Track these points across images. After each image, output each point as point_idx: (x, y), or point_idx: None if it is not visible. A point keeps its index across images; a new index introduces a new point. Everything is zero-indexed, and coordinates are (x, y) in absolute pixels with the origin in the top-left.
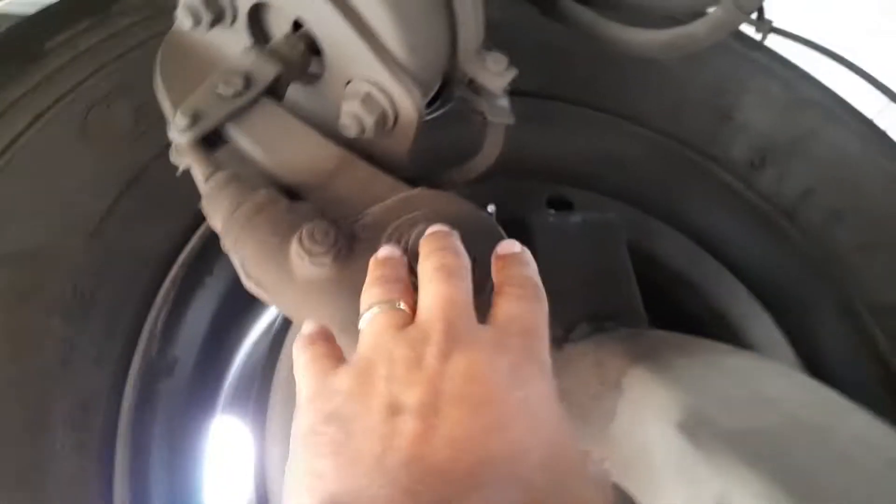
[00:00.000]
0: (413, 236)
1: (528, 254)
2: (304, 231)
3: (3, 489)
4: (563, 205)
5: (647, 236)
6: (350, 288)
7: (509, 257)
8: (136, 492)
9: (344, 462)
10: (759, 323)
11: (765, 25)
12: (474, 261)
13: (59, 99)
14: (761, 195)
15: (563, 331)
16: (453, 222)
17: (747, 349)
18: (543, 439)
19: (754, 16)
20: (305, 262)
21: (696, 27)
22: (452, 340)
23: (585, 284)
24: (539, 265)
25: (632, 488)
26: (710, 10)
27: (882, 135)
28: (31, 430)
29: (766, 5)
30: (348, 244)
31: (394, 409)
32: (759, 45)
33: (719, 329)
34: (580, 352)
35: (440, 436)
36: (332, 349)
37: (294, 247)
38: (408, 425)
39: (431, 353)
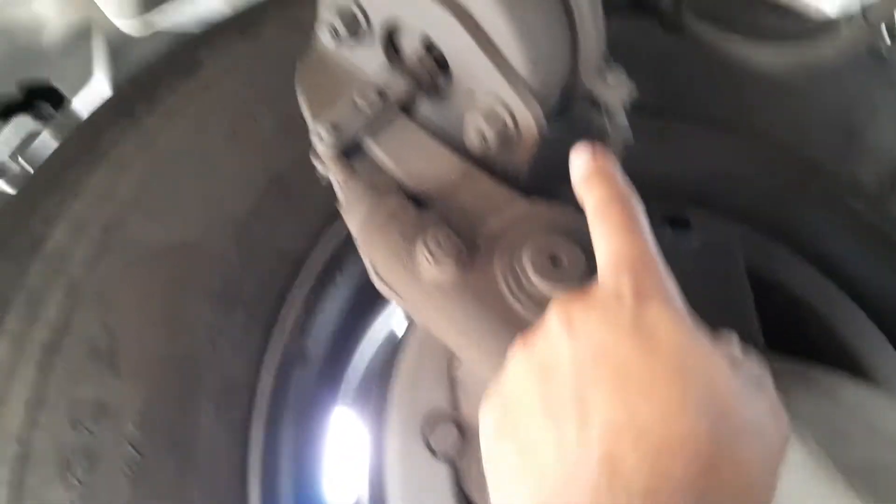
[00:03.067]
0: (529, 247)
1: None
2: (429, 235)
3: (157, 455)
4: (680, 224)
5: (767, 260)
6: (470, 292)
7: None
8: (267, 466)
9: None
10: (884, 356)
11: None
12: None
13: (214, 106)
14: (892, 221)
15: None
16: (567, 235)
17: (869, 382)
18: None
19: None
20: (430, 266)
21: (825, 44)
22: None
23: (701, 308)
24: None
25: None
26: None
27: None
28: (183, 405)
29: None
30: (469, 251)
31: None
32: (885, 59)
33: (840, 359)
34: None
35: None
36: None
37: (420, 251)
38: None
39: None
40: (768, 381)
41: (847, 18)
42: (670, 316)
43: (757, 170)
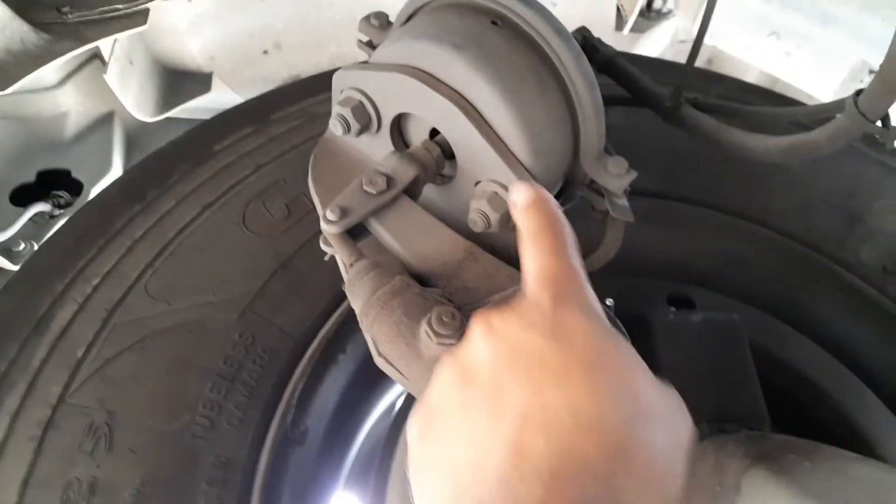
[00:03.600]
0: None
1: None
2: (433, 315)
3: None
4: (684, 303)
5: (771, 339)
6: None
7: None
8: None
9: None
10: (891, 432)
11: (890, 133)
12: None
13: (224, 193)
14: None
15: None
16: None
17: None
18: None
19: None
20: (433, 343)
21: (819, 134)
22: None
23: (706, 384)
24: (659, 363)
25: None
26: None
27: None
28: (179, 484)
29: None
30: None
31: None
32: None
33: (848, 438)
34: (700, 452)
35: None
36: None
37: (424, 328)
38: None
39: None
40: (670, 384)
41: (840, 107)
42: (585, 317)
43: (761, 252)
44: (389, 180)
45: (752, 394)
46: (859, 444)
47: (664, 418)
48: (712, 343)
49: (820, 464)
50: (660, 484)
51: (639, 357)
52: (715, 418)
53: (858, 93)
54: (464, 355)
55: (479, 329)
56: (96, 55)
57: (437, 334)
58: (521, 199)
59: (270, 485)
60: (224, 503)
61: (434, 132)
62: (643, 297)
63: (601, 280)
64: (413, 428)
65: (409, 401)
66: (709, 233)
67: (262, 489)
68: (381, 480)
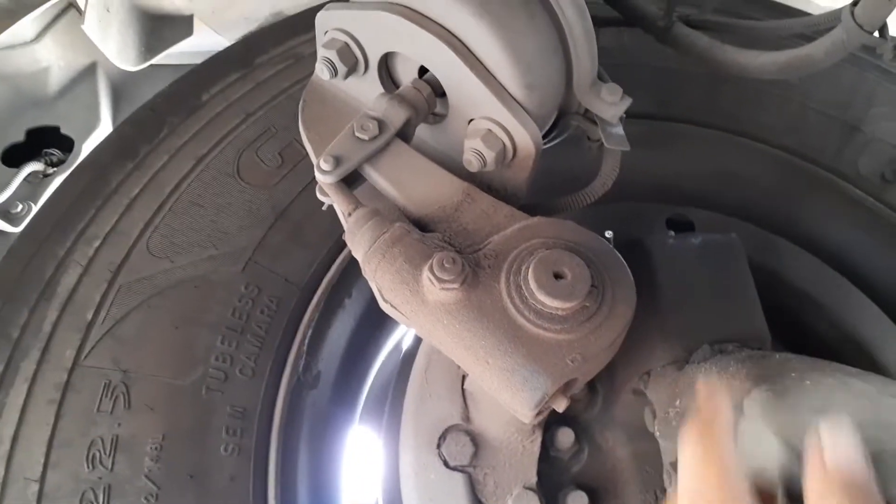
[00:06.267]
0: (532, 263)
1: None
2: (434, 260)
3: (175, 487)
4: (683, 226)
5: (771, 255)
6: (475, 311)
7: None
8: (285, 491)
9: None
10: (892, 340)
11: (888, 43)
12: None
13: (216, 145)
14: (894, 209)
15: (685, 352)
16: (572, 250)
17: (878, 373)
18: None
19: (875, 33)
20: (436, 289)
21: (815, 47)
22: None
23: (707, 306)
24: (659, 288)
25: None
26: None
27: None
28: (198, 434)
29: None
30: (473, 271)
31: None
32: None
33: (849, 351)
34: (702, 373)
35: None
36: None
37: (426, 274)
38: None
39: None
40: None
41: (836, 18)
42: None
43: (757, 168)
44: (381, 125)
45: (752, 313)
46: (860, 353)
47: None
48: (711, 264)
49: (821, 381)
50: None
51: None
52: (716, 339)
53: (855, 3)
54: None
55: None
56: (72, 4)
57: (439, 280)
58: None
59: (287, 428)
60: (244, 449)
61: (423, 70)
62: (642, 223)
63: (599, 208)
64: None
65: (418, 339)
66: (704, 151)
67: (280, 433)
68: (395, 412)
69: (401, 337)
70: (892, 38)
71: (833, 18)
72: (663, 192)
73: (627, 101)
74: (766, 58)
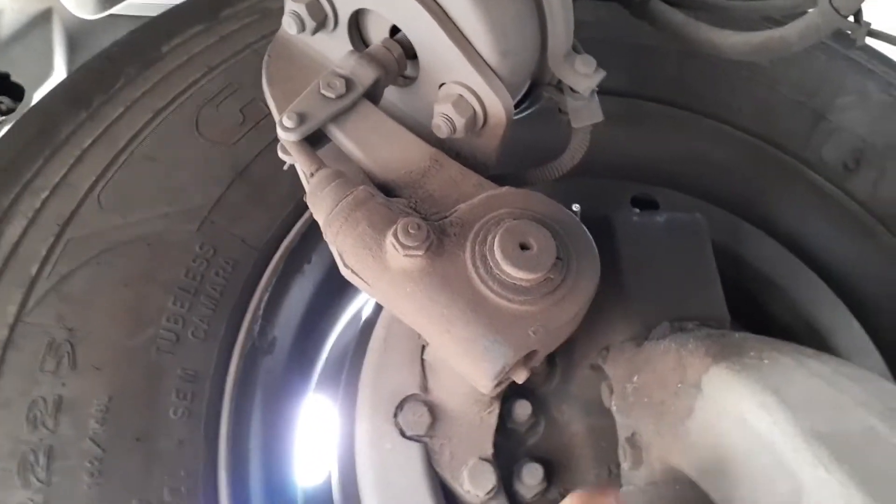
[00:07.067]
0: (499, 233)
1: None
2: (398, 226)
3: (120, 450)
4: (648, 204)
5: (734, 238)
6: (439, 279)
7: None
8: (236, 457)
9: None
10: (849, 330)
11: (862, 29)
12: (559, 258)
13: (175, 98)
14: (855, 199)
15: (645, 329)
16: (539, 221)
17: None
18: None
19: (850, 18)
20: (399, 255)
21: (790, 30)
22: None
23: (668, 284)
24: (622, 264)
25: (706, 484)
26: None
27: None
28: (146, 397)
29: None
30: (439, 239)
31: None
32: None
33: (806, 334)
34: (661, 350)
35: None
36: None
37: (389, 240)
38: None
39: None
40: None
41: (812, 1)
42: None
43: (724, 151)
44: (348, 83)
45: (713, 293)
46: (813, 336)
47: None
48: (675, 243)
49: (779, 360)
50: None
51: None
52: (676, 317)
53: None
54: None
55: None
56: None
57: (403, 246)
58: None
59: (240, 394)
60: (195, 414)
61: (395, 30)
62: (608, 199)
63: (566, 182)
64: None
65: (378, 308)
66: (673, 132)
67: (232, 398)
68: (352, 381)
69: (361, 306)
70: (866, 23)
71: (809, 2)
72: (630, 170)
73: (601, 74)
74: (739, 38)
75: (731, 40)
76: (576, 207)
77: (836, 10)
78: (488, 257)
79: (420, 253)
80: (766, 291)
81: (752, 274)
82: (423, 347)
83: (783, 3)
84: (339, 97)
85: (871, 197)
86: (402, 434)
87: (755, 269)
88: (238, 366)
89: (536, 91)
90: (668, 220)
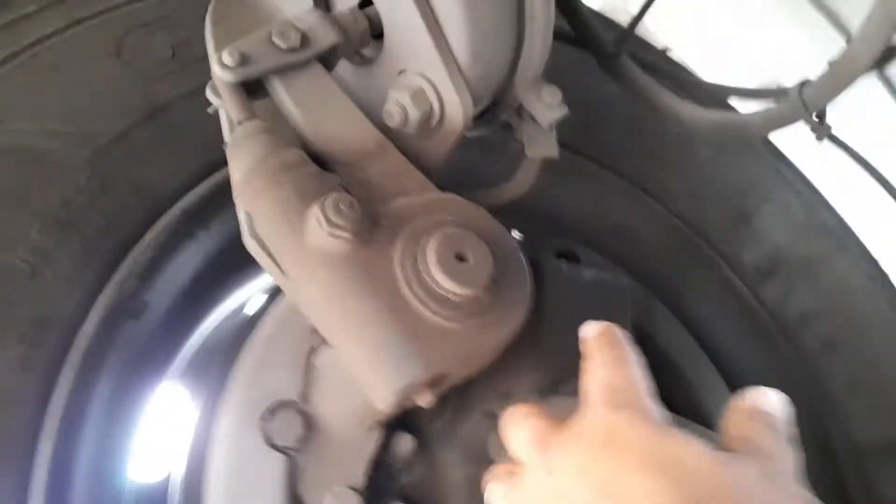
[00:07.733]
0: (437, 236)
1: None
2: (329, 199)
3: None
4: (571, 258)
5: (645, 312)
6: (360, 269)
7: None
8: (68, 420)
9: None
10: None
11: (824, 129)
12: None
13: (101, 13)
14: (763, 305)
15: (552, 383)
16: (481, 236)
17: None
18: None
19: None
20: (323, 232)
21: (752, 116)
22: None
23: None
24: (543, 311)
25: None
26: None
27: (885, 276)
28: None
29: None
30: (370, 226)
31: None
32: (784, 159)
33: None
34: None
35: None
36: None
37: (315, 213)
38: None
39: None
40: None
41: (782, 92)
42: (642, 421)
43: (652, 228)
44: (304, 39)
45: None
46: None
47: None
48: (598, 302)
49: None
50: None
51: (703, 450)
52: None
53: (804, 83)
54: (522, 484)
55: (536, 452)
56: None
57: (329, 222)
58: (592, 330)
59: (91, 353)
60: (31, 365)
61: (365, 3)
62: (530, 248)
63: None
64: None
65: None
66: (607, 197)
67: (82, 357)
68: (219, 385)
69: (246, 299)
70: (827, 125)
71: (777, 93)
72: (558, 224)
73: (564, 109)
74: (701, 113)
75: (693, 114)
76: (518, 235)
77: (805, 105)
78: (419, 259)
79: (346, 235)
80: (668, 373)
81: (657, 352)
82: (312, 350)
83: (751, 90)
84: (291, 50)
85: (778, 307)
86: (268, 442)
87: (660, 348)
88: (97, 323)
89: (496, 110)
90: (595, 278)
